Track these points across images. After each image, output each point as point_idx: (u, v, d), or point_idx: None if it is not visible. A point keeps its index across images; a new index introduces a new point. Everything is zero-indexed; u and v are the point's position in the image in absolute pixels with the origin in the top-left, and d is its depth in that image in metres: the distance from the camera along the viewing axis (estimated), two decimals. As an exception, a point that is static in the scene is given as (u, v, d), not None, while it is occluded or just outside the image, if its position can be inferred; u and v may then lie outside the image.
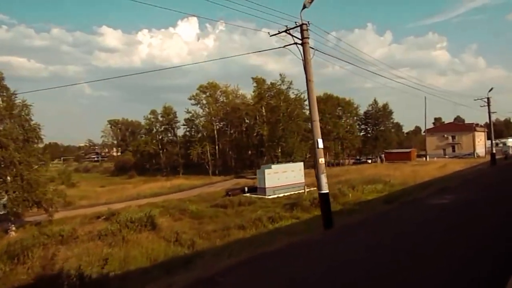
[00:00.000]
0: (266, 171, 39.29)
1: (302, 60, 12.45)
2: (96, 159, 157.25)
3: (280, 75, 58.34)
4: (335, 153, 77.34)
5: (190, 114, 69.75)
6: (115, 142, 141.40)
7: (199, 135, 68.25)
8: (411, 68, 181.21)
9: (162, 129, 75.73)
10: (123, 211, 28.81)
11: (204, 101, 68.24)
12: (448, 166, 52.00)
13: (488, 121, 44.78)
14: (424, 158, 79.92)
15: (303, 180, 42.41)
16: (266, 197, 37.81)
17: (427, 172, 46.14)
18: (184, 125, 74.66)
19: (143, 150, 75.36)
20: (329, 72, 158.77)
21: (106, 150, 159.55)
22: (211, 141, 68.68)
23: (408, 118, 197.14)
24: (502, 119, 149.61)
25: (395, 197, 23.43)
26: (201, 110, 69.55)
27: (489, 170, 32.14)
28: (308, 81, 12.48)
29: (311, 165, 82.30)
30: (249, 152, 70.56)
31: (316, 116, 12.59)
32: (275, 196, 37.89)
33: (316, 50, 13.11)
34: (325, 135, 74.55)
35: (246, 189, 40.96)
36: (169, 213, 28.78)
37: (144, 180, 70.09)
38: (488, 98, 35.29)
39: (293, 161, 60.27)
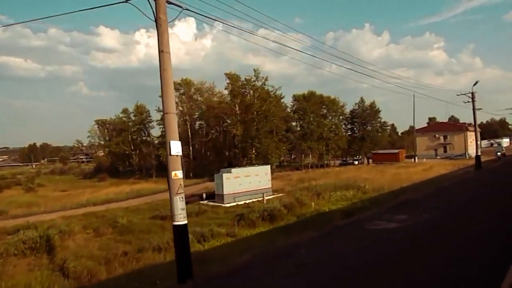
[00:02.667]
0: (225, 175, 34.98)
1: (154, 19, 8.10)
2: (83, 160, 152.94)
3: (255, 70, 54.23)
4: (319, 154, 73.08)
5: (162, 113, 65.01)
6: (102, 142, 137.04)
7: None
8: (408, 68, 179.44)
9: (135, 129, 71.17)
10: (41, 225, 24.55)
11: (176, 99, 63.73)
12: (433, 169, 48.12)
13: (477, 119, 40.66)
14: (413, 160, 75.83)
15: (269, 185, 38.16)
16: (224, 205, 33.54)
17: (409, 175, 42.28)
18: (160, 125, 70.19)
19: (114, 151, 70.89)
20: (325, 72, 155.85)
21: (93, 151, 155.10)
22: (185, 141, 64.27)
23: (404, 118, 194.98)
24: (497, 118, 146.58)
25: (354, 209, 19.64)
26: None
27: (472, 175, 27.94)
28: (160, 52, 8.13)
29: (295, 166, 78.49)
30: (227, 153, 66.24)
31: (172, 107, 8.26)
32: (234, 204, 33.60)
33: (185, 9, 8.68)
34: (308, 135, 70.54)
35: (204, 195, 36.62)
36: (92, 228, 24.40)
37: (114, 183, 65.72)
38: (472, 93, 31.12)
39: (269, 163, 56.19)
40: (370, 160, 77.59)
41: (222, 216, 28.26)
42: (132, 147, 71.23)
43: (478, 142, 32.84)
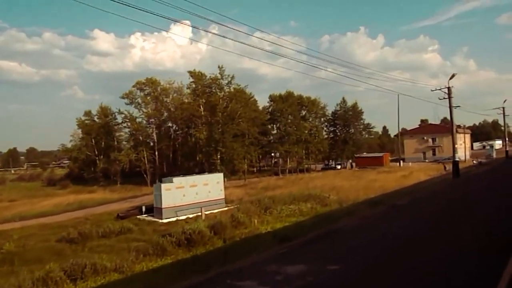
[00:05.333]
0: (164, 186, 30.10)
1: None
2: (65, 165, 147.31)
3: (219, 67, 49.33)
4: (298, 158, 68.31)
5: (123, 115, 60.43)
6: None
7: (132, 138, 58.57)
8: (403, 71, 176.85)
9: (98, 132, 65.83)
10: None
11: (139, 100, 58.88)
12: (413, 175, 43.64)
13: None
14: (398, 164, 71.18)
15: (221, 196, 33.31)
16: (160, 221, 28.65)
17: (386, 182, 37.85)
18: (127, 127, 65.17)
19: (76, 156, 65.74)
20: (321, 75, 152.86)
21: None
22: (150, 145, 59.47)
23: (400, 120, 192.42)
24: (490, 120, 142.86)
25: (293, 232, 15.24)
26: (137, 111, 60.10)
27: (443, 187, 23.22)
28: None
29: (275, 171, 73.43)
30: (197, 157, 61.18)
31: None
32: (175, 219, 28.74)
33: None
34: (285, 138, 65.84)
35: (143, 209, 31.67)
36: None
37: (74, 191, 60.58)
38: (448, 88, 26.52)
39: (235, 170, 51.38)
40: (354, 164, 72.97)
41: (148, 237, 23.30)
42: (96, 152, 66.06)
43: (456, 146, 28.18)
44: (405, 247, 8.71)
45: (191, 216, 29.24)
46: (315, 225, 16.38)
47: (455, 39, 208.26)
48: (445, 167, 49.22)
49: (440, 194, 19.05)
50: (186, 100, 61.40)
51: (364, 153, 80.00)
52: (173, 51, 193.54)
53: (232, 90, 51.09)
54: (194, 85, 51.43)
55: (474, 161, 49.21)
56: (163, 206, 29.16)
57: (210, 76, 50.49)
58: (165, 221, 28.35)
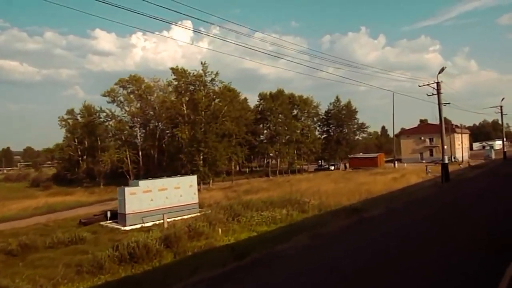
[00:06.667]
0: (129, 190, 27.71)
1: None
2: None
3: (202, 63, 46.80)
4: (289, 159, 65.82)
5: (105, 114, 58.03)
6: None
7: (113, 138, 56.11)
8: (404, 71, 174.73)
9: (81, 132, 63.46)
10: None
11: (122, 98, 56.40)
12: (405, 177, 41.23)
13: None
14: (393, 164, 68.61)
15: (195, 201, 30.93)
16: (123, 228, 26.27)
17: (374, 186, 35.57)
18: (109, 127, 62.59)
19: (59, 157, 63.37)
20: (323, 75, 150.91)
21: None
22: (133, 145, 57.05)
23: (401, 120, 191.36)
24: (490, 120, 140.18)
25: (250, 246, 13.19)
26: (119, 109, 57.61)
27: (434, 191, 20.75)
28: None
29: (266, 172, 70.97)
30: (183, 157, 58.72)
31: None
32: (139, 226, 26.36)
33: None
34: (275, 138, 63.44)
35: (108, 214, 29.28)
36: None
37: (55, 192, 58.29)
38: (437, 83, 24.03)
39: (216, 172, 48.94)
40: (347, 165, 70.41)
41: (100, 248, 20.86)
42: (80, 152, 63.66)
43: (446, 147, 25.70)
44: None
45: (158, 222, 27.03)
46: (278, 238, 14.00)
47: (456, 39, 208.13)
48: (427, 170, 46.46)
49: (419, 203, 16.57)
50: (170, 98, 58.96)
51: (361, 154, 77.45)
52: (174, 50, 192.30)
53: (216, 88, 48.66)
54: (176, 83, 48.95)
55: (469, 163, 46.39)
56: (126, 212, 26.80)
57: (193, 73, 47.96)
58: (127, 228, 26.00)
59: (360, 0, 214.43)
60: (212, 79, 47.44)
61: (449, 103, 27.56)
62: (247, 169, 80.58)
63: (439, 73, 24.05)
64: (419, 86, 24.50)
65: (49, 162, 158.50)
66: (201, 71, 46.94)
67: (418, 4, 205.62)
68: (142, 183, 28.75)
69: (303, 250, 9.64)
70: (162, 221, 26.17)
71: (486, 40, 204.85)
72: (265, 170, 71.45)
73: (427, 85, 24.23)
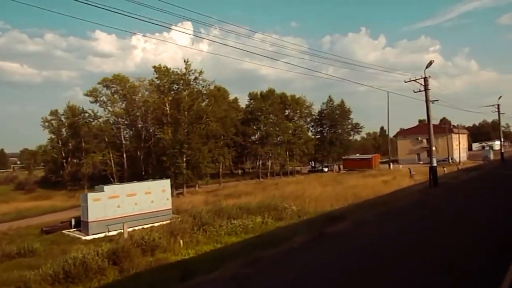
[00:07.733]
0: (92, 195, 25.62)
1: None
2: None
3: (185, 61, 44.74)
4: (281, 161, 63.69)
5: (87, 115, 55.99)
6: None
7: (97, 140, 54.00)
8: (404, 71, 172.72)
9: (66, 133, 61.45)
10: None
11: (105, 98, 54.37)
12: (396, 180, 39.21)
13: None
14: (388, 166, 66.43)
15: (168, 206, 28.85)
16: (84, 237, 24.20)
17: (363, 189, 33.65)
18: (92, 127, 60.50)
19: (43, 159, 61.30)
20: (323, 76, 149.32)
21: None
22: (116, 147, 54.92)
23: (400, 121, 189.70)
24: (489, 120, 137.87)
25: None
26: (102, 110, 55.59)
27: (418, 198, 18.63)
28: None
29: (258, 174, 68.68)
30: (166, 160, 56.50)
31: None
32: (103, 235, 24.27)
33: None
34: (266, 139, 61.37)
35: (73, 222, 27.18)
36: None
37: (36, 196, 56.32)
38: (424, 79, 21.92)
39: (200, 175, 46.81)
40: (341, 167, 68.28)
41: (49, 261, 18.76)
42: (63, 154, 61.59)
43: (434, 148, 23.54)
44: None
45: (129, 229, 24.91)
46: (238, 254, 11.88)
47: (456, 39, 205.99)
48: (410, 172, 44.28)
49: (397, 213, 14.48)
50: (153, 98, 56.79)
51: (357, 155, 75.32)
52: (174, 52, 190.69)
53: (200, 87, 46.61)
54: (158, 81, 46.91)
55: (459, 167, 44.40)
56: (89, 220, 24.68)
57: (176, 72, 45.89)
58: (89, 237, 23.92)
59: (360, 0, 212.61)
60: (196, 78, 45.47)
61: (437, 100, 25.54)
62: (239, 171, 78.49)
63: (427, 67, 21.93)
64: (405, 82, 22.39)
65: (43, 164, 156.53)
66: (184, 69, 44.95)
67: (418, 4, 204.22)
68: (107, 188, 26.66)
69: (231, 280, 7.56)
70: (131, 228, 24.14)
71: (486, 40, 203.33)
72: (257, 172, 69.38)
73: (414, 80, 22.12)
